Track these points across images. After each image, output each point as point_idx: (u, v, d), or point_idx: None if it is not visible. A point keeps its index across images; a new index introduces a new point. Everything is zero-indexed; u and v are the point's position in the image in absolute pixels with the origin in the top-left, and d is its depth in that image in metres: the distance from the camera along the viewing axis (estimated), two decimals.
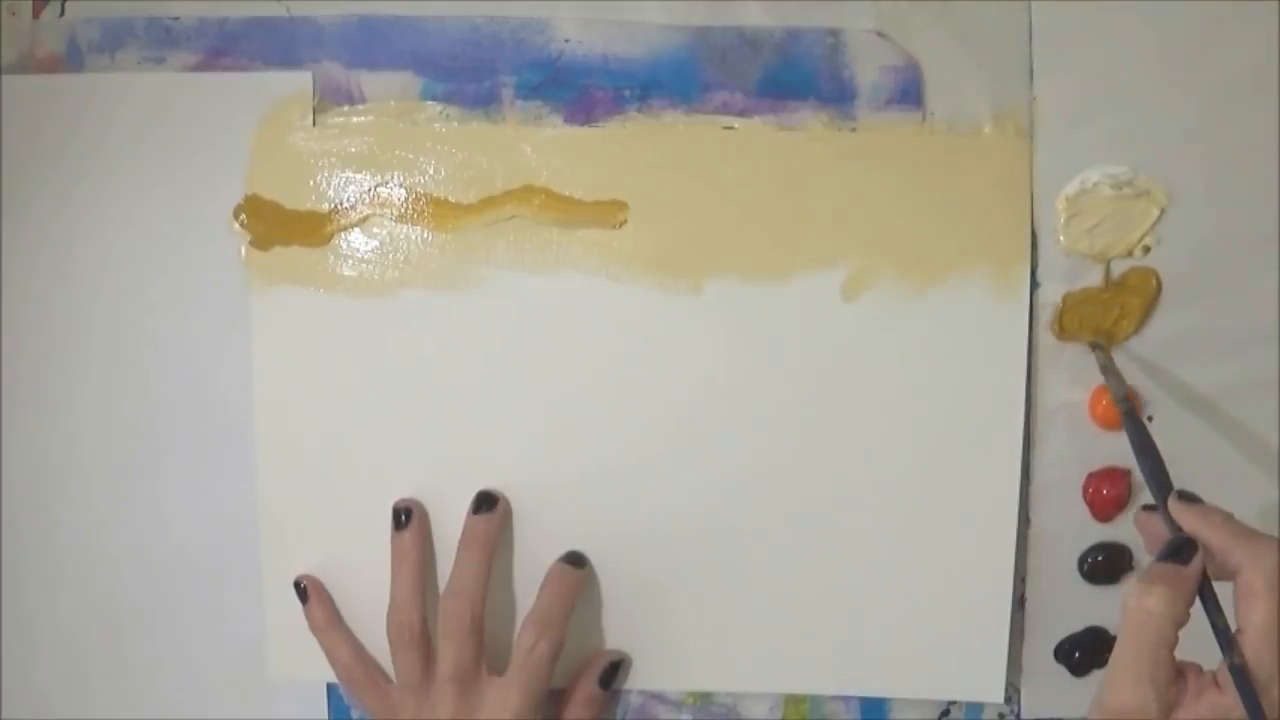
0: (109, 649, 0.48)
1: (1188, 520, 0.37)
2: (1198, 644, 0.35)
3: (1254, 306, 0.45)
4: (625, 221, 0.44)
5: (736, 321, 0.45)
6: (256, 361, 0.46)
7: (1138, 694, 0.34)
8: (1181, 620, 0.35)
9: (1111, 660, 0.35)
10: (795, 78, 0.45)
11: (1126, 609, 0.35)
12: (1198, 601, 0.35)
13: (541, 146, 0.45)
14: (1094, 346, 0.45)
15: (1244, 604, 0.35)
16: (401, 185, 0.45)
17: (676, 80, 0.45)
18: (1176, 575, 0.35)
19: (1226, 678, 0.34)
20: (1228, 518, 0.37)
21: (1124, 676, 0.35)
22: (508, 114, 0.45)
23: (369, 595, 0.46)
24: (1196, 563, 0.36)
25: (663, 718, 0.48)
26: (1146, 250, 0.45)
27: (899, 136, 0.45)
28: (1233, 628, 0.35)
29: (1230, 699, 0.34)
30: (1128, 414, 0.42)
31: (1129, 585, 0.35)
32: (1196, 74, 0.44)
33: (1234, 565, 0.35)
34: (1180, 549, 0.36)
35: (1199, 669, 0.35)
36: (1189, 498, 0.38)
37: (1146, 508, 0.41)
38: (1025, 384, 0.45)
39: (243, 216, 0.45)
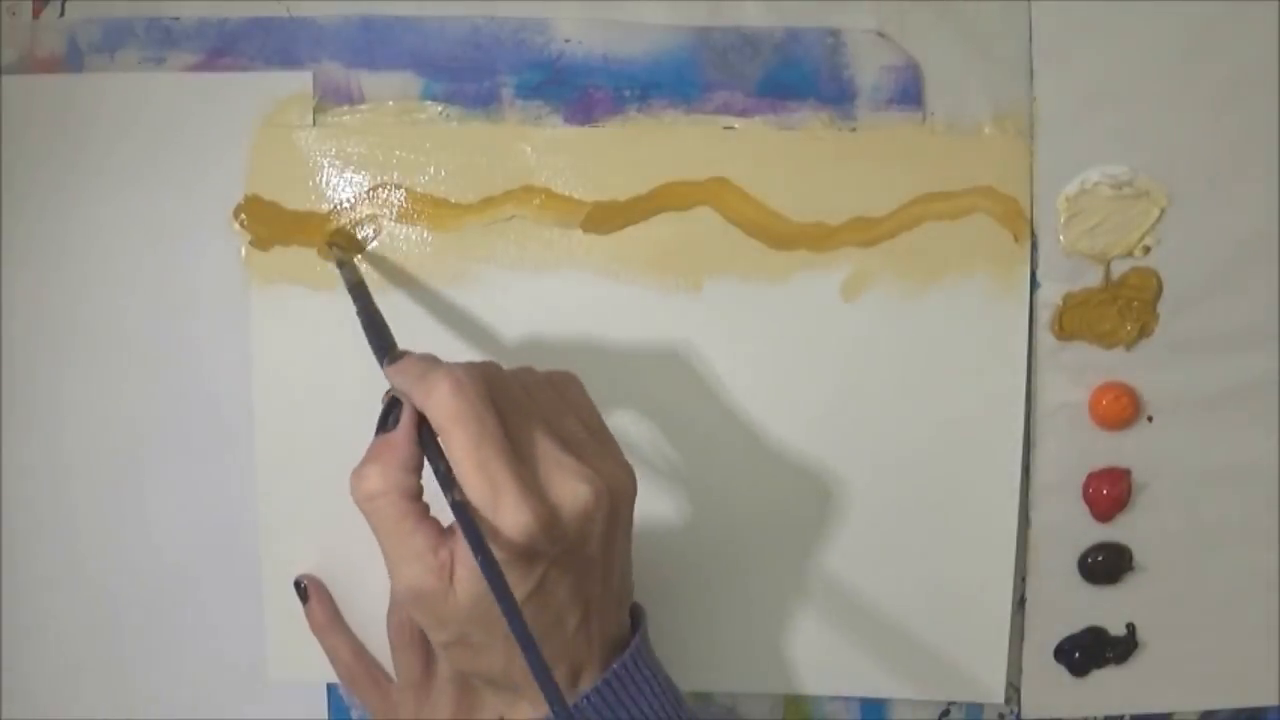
0: (109, 649, 0.48)
1: (393, 379, 0.35)
2: None
3: (1254, 306, 0.45)
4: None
5: (736, 321, 0.45)
6: (256, 361, 0.46)
7: (410, 573, 0.33)
8: (407, 487, 0.34)
9: (381, 548, 0.34)
10: (795, 78, 0.45)
11: (355, 502, 0.34)
12: None
13: (541, 146, 0.45)
14: (331, 245, 0.44)
15: (444, 443, 0.33)
16: (401, 185, 0.45)
17: (676, 80, 0.45)
18: (384, 446, 0.34)
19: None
20: (416, 361, 0.35)
21: (391, 562, 0.34)
22: (508, 114, 0.45)
23: (369, 595, 0.45)
24: (404, 420, 0.34)
25: None
26: (1146, 250, 0.45)
27: (899, 136, 0.45)
28: None
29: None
30: (354, 287, 0.41)
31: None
32: (1196, 74, 0.44)
33: (422, 411, 0.34)
34: (386, 415, 0.35)
35: None
36: (399, 356, 0.36)
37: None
38: (1025, 384, 0.45)
39: (243, 216, 0.45)
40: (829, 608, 0.46)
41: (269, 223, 0.45)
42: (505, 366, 0.45)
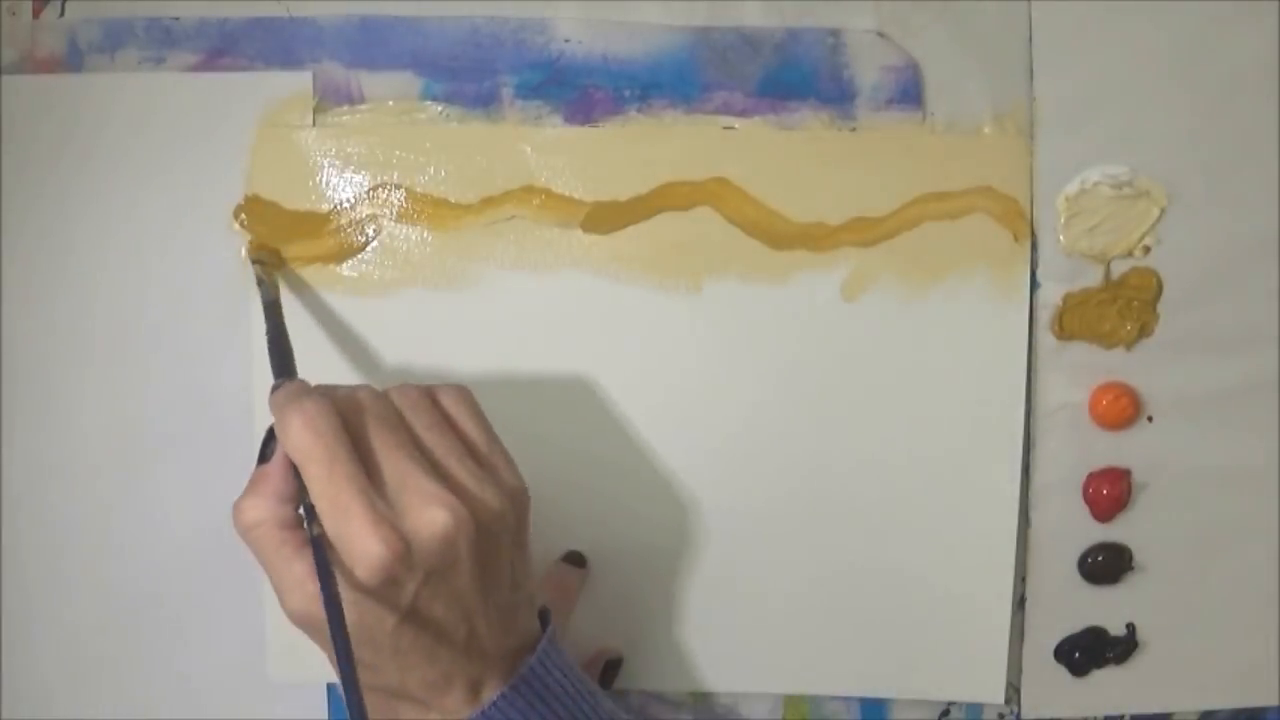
0: (109, 649, 0.48)
1: (272, 408, 0.35)
2: None
3: (1254, 306, 0.45)
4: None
5: (736, 321, 0.45)
6: (256, 361, 0.46)
7: (292, 600, 0.34)
8: (283, 518, 0.34)
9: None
10: (795, 78, 0.45)
11: (237, 532, 0.35)
12: None
13: (541, 146, 0.45)
14: (254, 261, 0.44)
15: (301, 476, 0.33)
16: (401, 185, 0.45)
17: (676, 80, 0.45)
18: (261, 477, 0.35)
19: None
20: (284, 391, 0.35)
21: (276, 591, 0.34)
22: (508, 114, 0.45)
23: None
24: (279, 453, 0.34)
25: (663, 718, 0.48)
26: (1146, 250, 0.45)
27: (899, 136, 0.45)
28: None
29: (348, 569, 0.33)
30: (268, 305, 0.42)
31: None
32: (1196, 74, 0.44)
33: (281, 443, 0.34)
34: (263, 446, 0.35)
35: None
36: (279, 385, 0.37)
37: None
38: (1025, 384, 0.45)
39: (243, 216, 0.45)
40: (829, 608, 0.46)
41: (269, 223, 0.45)
42: (504, 367, 0.45)
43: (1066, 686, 0.47)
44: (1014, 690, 0.47)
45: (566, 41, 0.45)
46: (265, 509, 0.34)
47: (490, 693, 0.36)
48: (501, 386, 0.45)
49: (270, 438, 0.35)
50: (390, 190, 0.45)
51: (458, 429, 0.37)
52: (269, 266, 0.44)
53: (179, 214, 0.45)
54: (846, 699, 0.48)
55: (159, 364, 0.46)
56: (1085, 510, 0.46)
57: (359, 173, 0.45)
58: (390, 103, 0.45)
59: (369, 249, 0.45)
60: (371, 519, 0.32)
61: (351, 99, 0.45)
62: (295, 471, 0.34)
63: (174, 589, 0.47)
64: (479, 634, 0.35)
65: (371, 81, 0.45)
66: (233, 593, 0.47)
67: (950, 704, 0.48)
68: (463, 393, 0.38)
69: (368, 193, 0.45)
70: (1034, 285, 0.45)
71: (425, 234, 0.45)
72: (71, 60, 0.45)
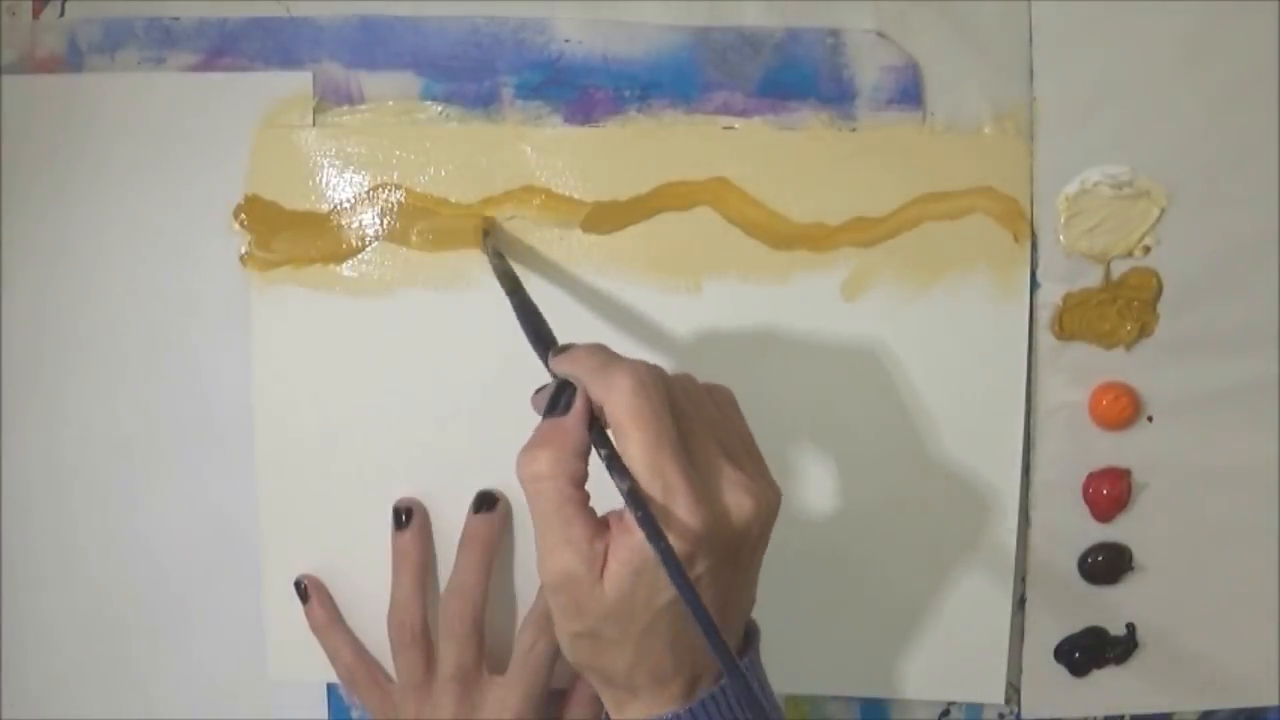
0: (109, 649, 0.48)
1: (562, 367, 0.35)
2: None
3: (1254, 306, 0.45)
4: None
5: (736, 321, 0.45)
6: (256, 361, 0.46)
7: (562, 558, 0.33)
8: (575, 474, 0.33)
9: (535, 530, 0.34)
10: (795, 78, 0.45)
11: (520, 481, 0.34)
12: None
13: (541, 146, 0.45)
14: (486, 234, 0.44)
15: (618, 440, 0.33)
16: (401, 185, 0.45)
17: (676, 80, 0.45)
18: (555, 430, 0.34)
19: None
20: (592, 351, 0.35)
21: (544, 545, 0.34)
22: (508, 114, 0.45)
23: (369, 595, 0.46)
24: (578, 406, 0.34)
25: None
26: (1146, 250, 0.45)
27: (899, 136, 0.45)
28: None
29: (641, 533, 0.32)
30: (510, 278, 0.41)
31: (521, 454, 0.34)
32: (1196, 74, 0.44)
33: (599, 403, 0.33)
34: (556, 399, 0.34)
35: (621, 514, 0.34)
36: (565, 348, 0.36)
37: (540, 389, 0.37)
38: (1025, 384, 0.45)
39: (243, 216, 0.45)
40: (829, 607, 0.46)
41: (269, 223, 0.45)
42: (503, 368, 0.45)
43: (1066, 686, 0.47)
44: (1014, 690, 0.47)
45: (566, 41, 0.45)
46: (560, 463, 0.33)
47: (703, 690, 0.35)
48: (501, 386, 0.45)
49: (562, 390, 0.35)
50: (390, 190, 0.45)
51: (730, 424, 0.37)
52: (499, 239, 0.44)
53: (179, 214, 0.45)
54: (846, 699, 0.48)
55: (158, 364, 0.46)
56: (1085, 510, 0.46)
57: (359, 173, 0.45)
58: (390, 103, 0.45)
59: (369, 249, 0.45)
60: (694, 496, 0.32)
61: (351, 99, 0.45)
62: (595, 429, 0.33)
63: (174, 589, 0.47)
64: (722, 629, 0.35)
65: (371, 81, 0.45)
66: (233, 593, 0.47)
67: (950, 704, 0.48)
68: (730, 393, 0.38)
69: (368, 193, 0.45)
70: (1034, 285, 0.45)
71: None
72: (71, 60, 0.45)
